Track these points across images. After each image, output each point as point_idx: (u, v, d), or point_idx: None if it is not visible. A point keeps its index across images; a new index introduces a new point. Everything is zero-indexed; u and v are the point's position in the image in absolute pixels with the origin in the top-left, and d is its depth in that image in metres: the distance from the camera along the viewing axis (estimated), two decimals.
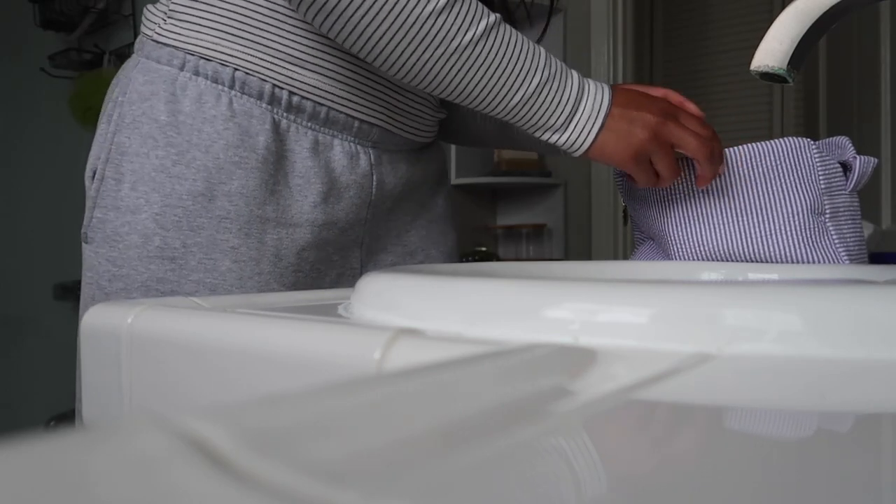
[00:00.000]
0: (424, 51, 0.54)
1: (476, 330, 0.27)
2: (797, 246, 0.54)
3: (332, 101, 0.63)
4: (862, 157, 0.54)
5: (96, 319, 0.36)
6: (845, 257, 0.54)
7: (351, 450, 0.14)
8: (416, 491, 0.12)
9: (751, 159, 0.56)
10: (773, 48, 0.44)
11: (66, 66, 2.23)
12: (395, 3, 0.52)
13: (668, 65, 2.93)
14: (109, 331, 0.34)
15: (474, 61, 0.55)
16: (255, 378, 0.28)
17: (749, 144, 0.56)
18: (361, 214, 0.67)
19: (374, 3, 0.52)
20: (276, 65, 0.60)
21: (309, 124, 0.62)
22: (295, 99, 0.61)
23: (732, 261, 0.57)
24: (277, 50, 0.60)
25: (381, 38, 0.54)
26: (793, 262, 0.54)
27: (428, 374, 0.18)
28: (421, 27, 0.53)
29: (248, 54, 0.60)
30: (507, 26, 0.57)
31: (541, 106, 0.58)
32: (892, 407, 0.19)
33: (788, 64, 0.44)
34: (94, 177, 0.59)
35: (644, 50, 2.93)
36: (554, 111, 0.58)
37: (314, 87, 0.62)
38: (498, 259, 2.28)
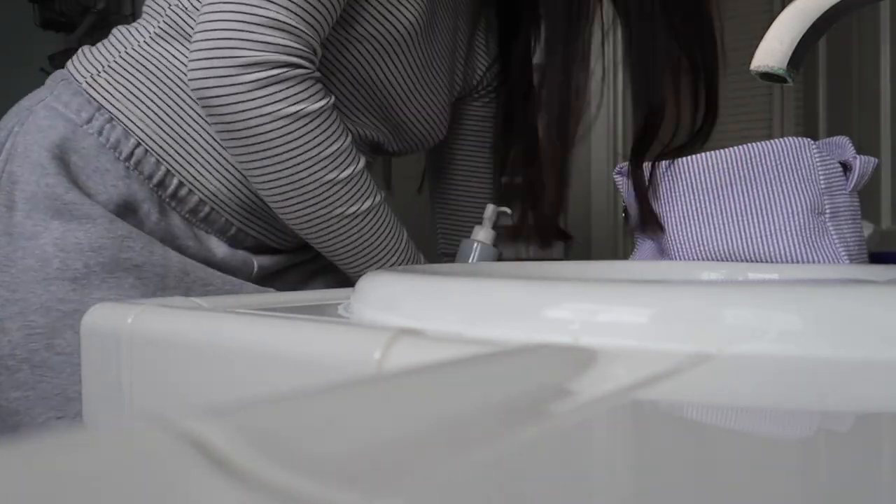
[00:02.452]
0: (313, 209, 0.59)
1: (476, 330, 0.27)
2: (797, 246, 0.54)
3: (217, 204, 0.65)
4: (862, 157, 0.54)
5: (96, 319, 0.36)
6: (845, 257, 0.54)
7: (351, 450, 0.14)
8: (416, 491, 0.12)
9: (751, 159, 0.56)
10: (773, 48, 0.44)
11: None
12: (304, 166, 0.57)
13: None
14: (109, 331, 0.34)
15: (351, 230, 0.62)
16: (255, 378, 0.28)
17: (749, 144, 0.56)
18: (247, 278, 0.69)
19: (285, 157, 0.56)
20: (179, 154, 0.62)
21: (188, 216, 0.64)
22: (183, 190, 0.63)
23: (732, 261, 0.57)
24: (186, 142, 0.62)
25: (281, 187, 0.58)
26: (793, 262, 0.54)
27: (428, 374, 0.18)
28: (317, 190, 0.58)
29: (158, 134, 0.61)
30: (387, 208, 0.64)
31: None
32: (892, 407, 0.19)
33: (788, 64, 0.44)
34: None
35: None
36: None
37: (206, 186, 0.64)
38: (498, 259, 2.27)
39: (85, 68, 0.63)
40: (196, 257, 0.64)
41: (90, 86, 0.62)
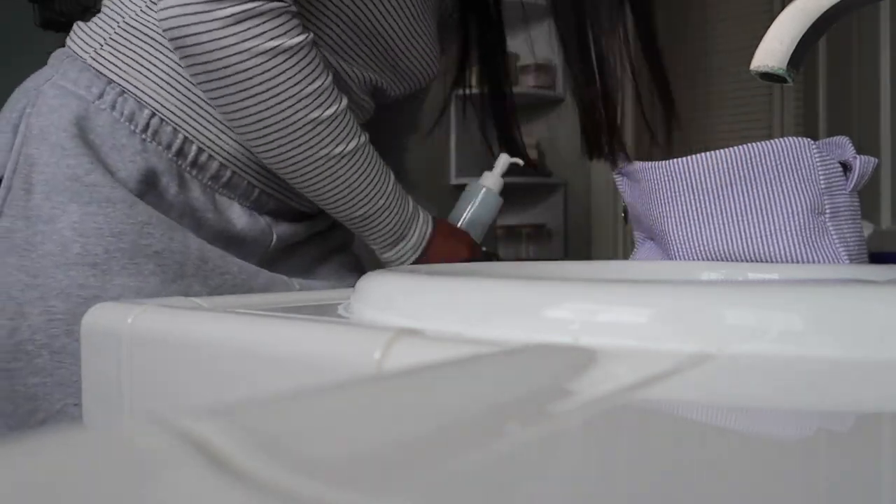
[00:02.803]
0: (297, 150, 0.58)
1: (476, 330, 0.27)
2: (797, 246, 0.54)
3: (238, 167, 0.64)
4: (862, 157, 0.54)
5: (96, 319, 0.36)
6: (845, 257, 0.54)
7: (351, 450, 0.14)
8: (416, 491, 0.12)
9: (751, 159, 0.56)
10: (773, 48, 0.44)
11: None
12: (286, 104, 0.56)
13: (668, 65, 2.93)
14: (109, 331, 0.34)
15: (336, 172, 0.61)
16: (255, 378, 0.28)
17: (749, 144, 0.56)
18: (260, 258, 0.68)
19: (266, 97, 0.55)
20: (195, 119, 0.62)
21: (209, 183, 0.63)
22: (203, 156, 0.62)
23: (732, 261, 0.57)
24: (200, 107, 0.62)
25: (263, 128, 0.57)
26: (793, 262, 0.54)
27: (428, 374, 0.18)
28: (301, 130, 0.57)
29: (171, 101, 0.61)
30: (371, 149, 0.63)
31: (379, 223, 0.66)
32: (892, 407, 0.19)
33: (788, 64, 0.44)
34: None
35: None
36: (388, 230, 0.67)
37: (224, 149, 0.63)
38: (498, 259, 2.28)
39: (86, 43, 0.62)
40: (215, 229, 0.63)
41: (95, 60, 0.61)
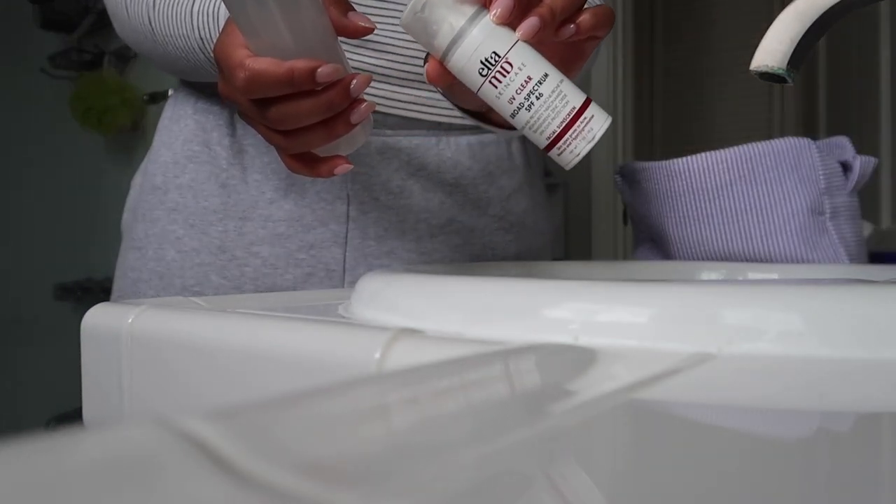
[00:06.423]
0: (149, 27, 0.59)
1: (476, 330, 0.27)
2: (797, 246, 0.54)
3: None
4: (862, 157, 0.54)
5: (96, 319, 0.36)
6: (845, 257, 0.54)
7: (350, 450, 0.14)
8: (416, 491, 0.12)
9: (751, 159, 0.56)
10: (773, 48, 0.44)
11: (66, 67, 2.23)
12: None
13: (668, 65, 2.93)
14: (109, 331, 0.34)
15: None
16: (255, 378, 0.28)
17: (749, 144, 0.56)
18: (338, 210, 0.61)
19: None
20: None
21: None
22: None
23: (732, 261, 0.57)
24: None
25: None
26: (793, 261, 0.54)
27: (427, 374, 0.18)
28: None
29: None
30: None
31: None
32: (892, 407, 0.19)
33: (788, 64, 0.44)
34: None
35: (644, 50, 2.93)
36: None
37: None
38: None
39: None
40: (275, 174, 0.61)
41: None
